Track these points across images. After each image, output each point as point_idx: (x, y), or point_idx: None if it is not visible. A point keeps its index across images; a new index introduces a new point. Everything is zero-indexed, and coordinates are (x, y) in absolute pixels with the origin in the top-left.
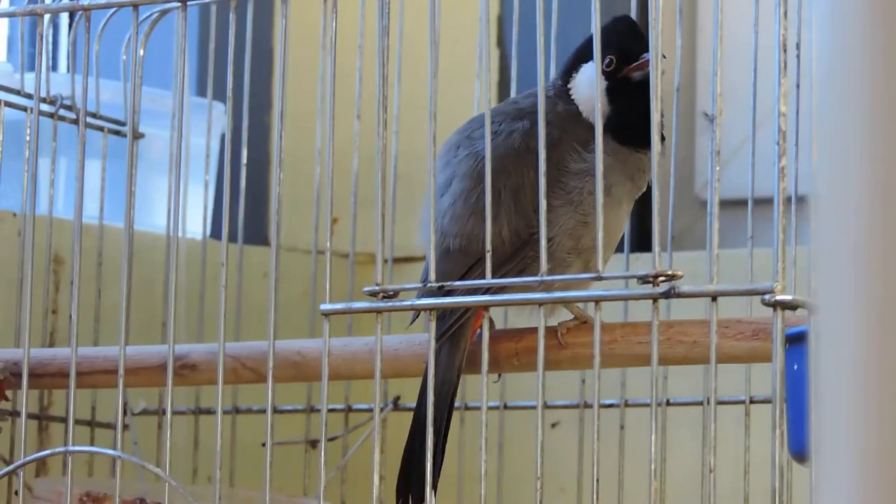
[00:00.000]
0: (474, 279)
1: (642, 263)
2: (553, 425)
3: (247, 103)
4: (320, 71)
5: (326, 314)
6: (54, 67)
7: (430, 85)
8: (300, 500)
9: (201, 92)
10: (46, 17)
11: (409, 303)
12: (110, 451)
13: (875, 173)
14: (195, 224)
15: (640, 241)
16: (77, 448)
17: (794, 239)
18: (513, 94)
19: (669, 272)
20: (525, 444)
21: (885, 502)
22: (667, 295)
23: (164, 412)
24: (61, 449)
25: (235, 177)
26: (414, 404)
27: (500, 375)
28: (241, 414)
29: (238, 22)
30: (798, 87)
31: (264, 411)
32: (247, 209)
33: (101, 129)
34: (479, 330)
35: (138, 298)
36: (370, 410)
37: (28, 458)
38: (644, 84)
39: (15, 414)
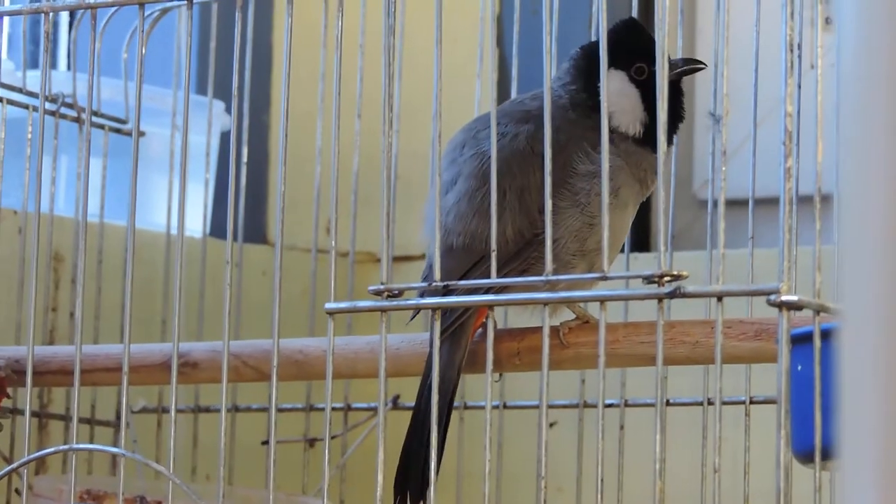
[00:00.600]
0: (476, 277)
1: (641, 263)
2: (551, 425)
3: (247, 102)
4: (321, 70)
5: (331, 313)
6: (54, 66)
7: (436, 84)
8: (299, 498)
9: (201, 90)
10: (50, 15)
11: (414, 302)
12: (114, 449)
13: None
14: (195, 222)
15: (640, 241)
16: (80, 446)
17: (795, 239)
18: (513, 93)
19: (675, 272)
20: (523, 444)
21: None
22: (672, 295)
23: (163, 410)
24: (65, 447)
25: (236, 176)
26: (413, 403)
27: (501, 375)
28: (241, 412)
29: (240, 20)
30: (800, 86)
31: (263, 410)
32: (246, 208)
33: (101, 126)
34: (479, 329)
35: (138, 296)
36: (369, 409)
37: (31, 457)
38: (674, 85)
39: (16, 412)
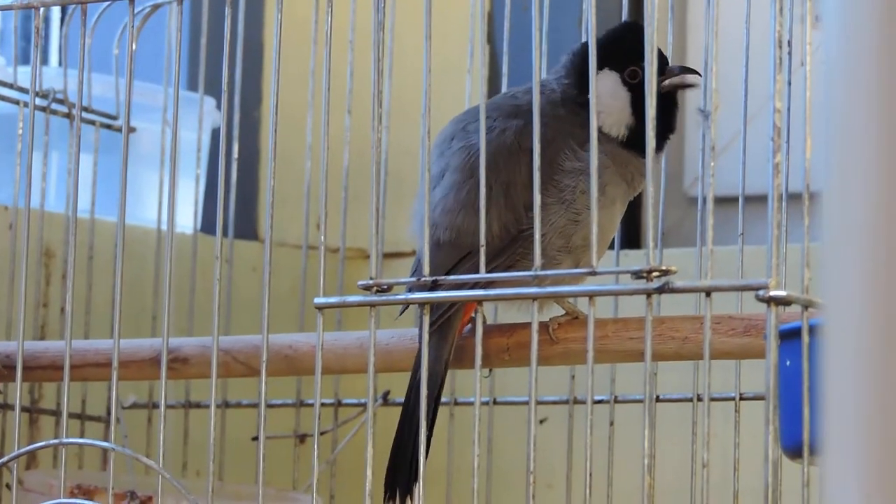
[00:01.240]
0: (463, 272)
1: (631, 260)
2: (541, 421)
3: (238, 98)
4: (311, 66)
5: (320, 308)
6: (45, 61)
7: (425, 81)
8: (289, 493)
9: (192, 86)
10: (41, 10)
11: (403, 297)
12: (104, 444)
13: (884, 169)
14: (185, 218)
15: (629, 237)
16: (71, 440)
17: (784, 236)
18: (503, 88)
19: (663, 268)
20: (513, 440)
21: (892, 498)
22: (661, 290)
23: (154, 406)
24: (55, 441)
25: (226, 172)
26: (402, 399)
27: (490, 370)
28: (231, 408)
29: (230, 16)
30: (789, 83)
31: (254, 405)
32: (237, 204)
33: (92, 122)
34: (468, 324)
35: (128, 292)
36: (359, 405)
37: (21, 451)
38: (669, 95)
39: (6, 407)
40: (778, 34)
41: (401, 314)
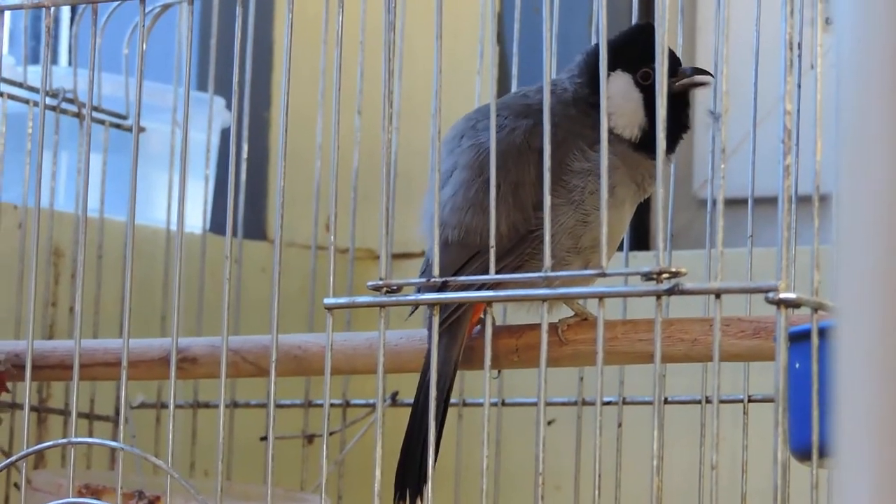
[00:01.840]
0: (473, 272)
1: (640, 262)
2: (549, 422)
3: (248, 98)
4: (321, 66)
5: (330, 308)
6: (55, 61)
7: (435, 81)
8: (297, 494)
9: (202, 86)
10: (52, 9)
11: (412, 297)
12: (112, 443)
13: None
14: (194, 218)
15: (639, 239)
16: (80, 440)
17: (794, 238)
18: (512, 89)
19: (673, 269)
20: (522, 441)
21: None
22: (671, 292)
23: (162, 406)
24: (64, 440)
25: (236, 172)
26: (412, 399)
27: (499, 372)
28: (240, 408)
29: (240, 16)
30: (799, 86)
31: (262, 405)
32: (246, 204)
33: (102, 122)
34: (478, 325)
35: (137, 292)
36: (368, 405)
37: (30, 450)
38: (681, 96)
39: (15, 406)
40: (788, 36)
41: (410, 315)
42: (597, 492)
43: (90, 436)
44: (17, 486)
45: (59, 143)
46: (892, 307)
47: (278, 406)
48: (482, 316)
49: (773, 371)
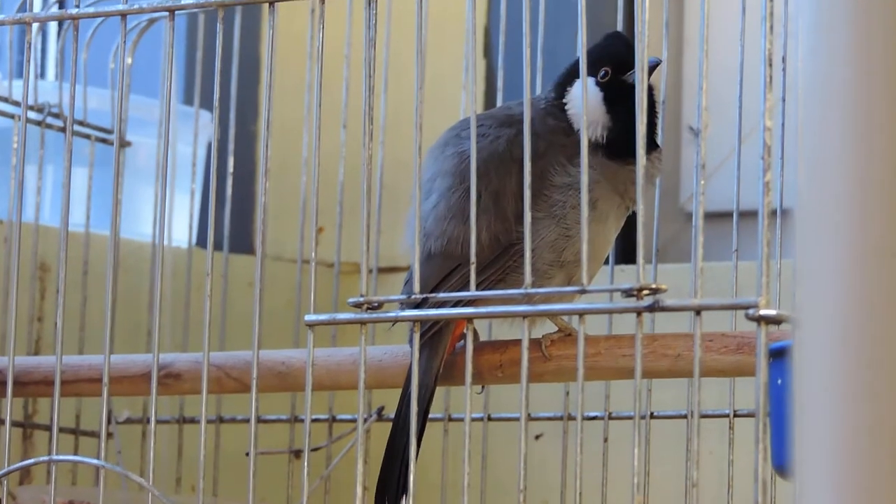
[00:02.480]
0: (454, 285)
1: (627, 276)
2: (537, 437)
3: (233, 112)
4: (307, 81)
5: (311, 325)
6: (42, 75)
7: (416, 96)
8: None
9: (188, 100)
10: (35, 25)
11: (393, 315)
12: (94, 461)
13: (856, 187)
14: (181, 232)
15: (626, 253)
16: (61, 457)
17: (779, 253)
18: (498, 103)
19: (653, 286)
20: (509, 456)
21: None
22: (651, 308)
23: (148, 421)
24: (45, 458)
25: (221, 186)
26: None
27: (483, 387)
28: (225, 423)
29: (225, 31)
30: (784, 101)
31: (248, 421)
32: (233, 218)
33: (87, 136)
34: (462, 341)
35: (123, 307)
36: (354, 421)
37: (12, 467)
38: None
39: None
40: (768, 52)
41: (392, 326)
42: None
43: (76, 452)
44: (1, 502)
45: (45, 158)
46: (850, 319)
47: (264, 421)
48: (465, 331)
49: (755, 387)
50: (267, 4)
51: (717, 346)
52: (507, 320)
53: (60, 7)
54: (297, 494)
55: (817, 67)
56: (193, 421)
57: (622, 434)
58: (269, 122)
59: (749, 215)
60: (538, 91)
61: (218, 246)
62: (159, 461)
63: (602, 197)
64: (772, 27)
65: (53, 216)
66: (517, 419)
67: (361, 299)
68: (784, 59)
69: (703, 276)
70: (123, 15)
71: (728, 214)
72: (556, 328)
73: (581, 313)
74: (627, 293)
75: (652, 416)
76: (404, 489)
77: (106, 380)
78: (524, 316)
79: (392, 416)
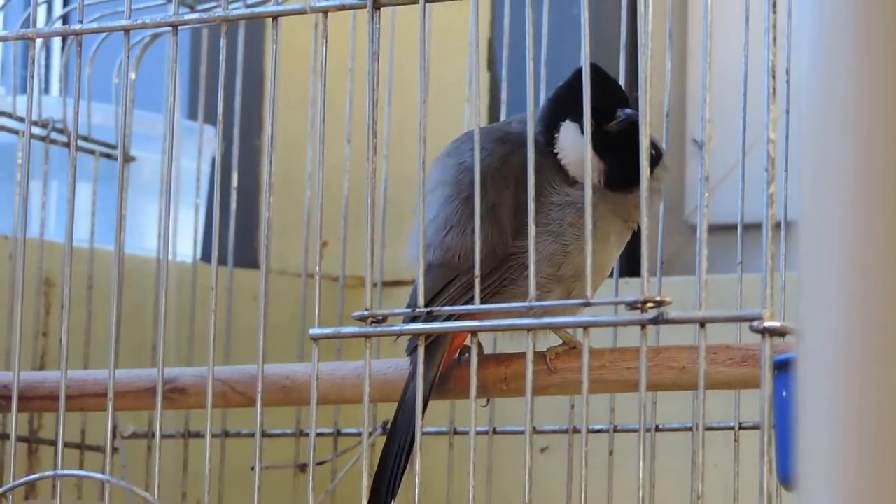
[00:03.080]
0: (452, 295)
1: (632, 289)
2: (542, 450)
3: (237, 127)
4: (311, 95)
5: (315, 339)
6: (46, 90)
7: (420, 109)
8: None
9: (192, 115)
10: (38, 41)
11: (397, 328)
12: (99, 476)
13: (860, 198)
14: (185, 247)
15: (630, 265)
16: (66, 472)
17: (783, 265)
18: (502, 116)
19: (658, 298)
20: (514, 469)
21: None
22: (655, 321)
23: (153, 436)
24: (50, 473)
25: (226, 200)
26: None
27: (488, 400)
28: (231, 438)
29: (229, 46)
30: (788, 112)
31: (253, 435)
32: (237, 232)
33: (92, 152)
34: (466, 354)
35: (128, 322)
36: (359, 435)
37: (17, 482)
38: (626, 132)
39: (4, 437)
40: (771, 64)
41: (397, 339)
42: None
43: (81, 466)
44: None
45: (49, 173)
46: (854, 331)
47: (269, 435)
48: (467, 343)
49: (759, 400)
50: (270, 19)
51: (722, 358)
52: (509, 333)
53: (64, 23)
54: None
55: (819, 78)
56: (198, 435)
57: (627, 447)
58: (273, 136)
59: (753, 227)
60: (542, 103)
61: (222, 260)
62: (164, 476)
63: (602, 218)
64: (775, 39)
65: (58, 231)
66: (522, 432)
67: (366, 313)
68: (788, 71)
69: (708, 289)
70: (127, 30)
71: (732, 227)
72: (560, 341)
73: (586, 326)
74: (632, 306)
75: (657, 429)
76: (393, 495)
77: (111, 394)
78: (529, 329)
79: None
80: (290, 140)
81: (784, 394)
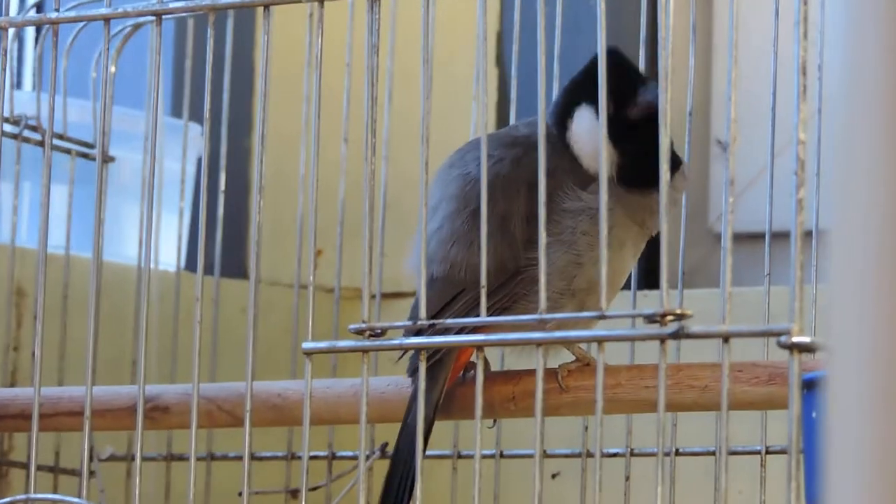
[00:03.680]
0: (457, 311)
1: (651, 301)
2: (553, 475)
3: (225, 125)
4: (305, 91)
5: (308, 353)
6: (18, 84)
7: (423, 107)
8: None
9: (176, 112)
10: (11, 30)
11: (397, 342)
12: (74, 500)
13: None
14: (169, 255)
15: (650, 276)
16: (39, 496)
17: (814, 276)
18: (512, 115)
19: (678, 311)
20: (523, 496)
21: None
22: (675, 335)
23: (133, 458)
24: (22, 497)
25: (212, 204)
26: None
27: (495, 421)
28: (217, 461)
29: (217, 37)
30: (820, 112)
31: (241, 458)
32: (225, 239)
33: (68, 151)
34: (472, 371)
35: (106, 334)
36: (355, 458)
37: None
38: (648, 121)
39: None
40: (802, 60)
41: (400, 358)
42: None
43: (55, 491)
44: None
45: (21, 174)
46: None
47: (258, 458)
48: (472, 360)
49: (787, 420)
50: (261, 8)
51: (747, 376)
52: (518, 349)
53: (38, 11)
54: None
55: (850, 73)
56: (182, 458)
57: (645, 472)
58: (264, 135)
59: (782, 236)
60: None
61: (208, 269)
62: (145, 501)
63: (618, 224)
64: (806, 33)
65: (31, 237)
66: (531, 456)
67: (363, 326)
68: (820, 67)
69: (732, 302)
70: (107, 19)
71: (760, 235)
72: (573, 357)
73: (600, 340)
74: (650, 319)
75: (677, 453)
76: None
77: (88, 413)
78: (539, 344)
79: None
80: (282, 139)
81: (814, 415)
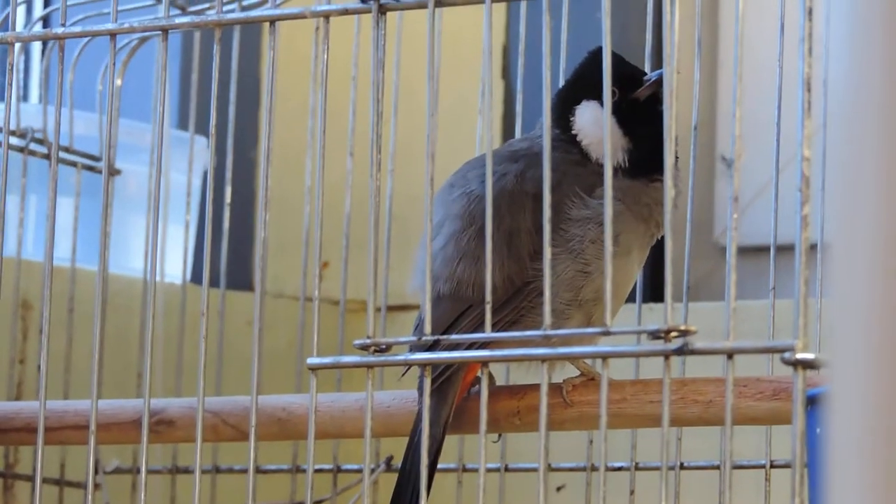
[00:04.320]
0: (465, 327)
1: (656, 315)
2: (558, 489)
3: (231, 138)
4: (311, 104)
5: (313, 369)
6: (25, 97)
7: (428, 121)
8: None
9: (182, 125)
10: (17, 44)
11: (402, 357)
12: None
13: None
14: (174, 267)
15: (654, 290)
16: None
17: (818, 291)
18: (517, 129)
19: (682, 327)
20: None
21: None
22: (679, 352)
23: (138, 471)
24: None
25: (218, 217)
26: None
27: (500, 435)
28: (222, 474)
29: (223, 51)
30: (825, 128)
31: (246, 471)
32: (230, 252)
33: (74, 164)
34: (477, 386)
35: (112, 348)
36: (360, 471)
37: None
38: (655, 102)
39: None
40: (807, 76)
41: (403, 374)
42: None
43: (60, 503)
44: None
45: (27, 187)
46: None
47: (263, 472)
48: (478, 375)
49: (791, 436)
50: (267, 23)
51: (752, 391)
52: (523, 364)
53: (45, 25)
54: None
55: (851, 89)
56: (187, 471)
57: (649, 486)
58: (270, 148)
59: (786, 251)
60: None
61: (214, 282)
62: None
63: (625, 230)
64: (810, 49)
65: (37, 250)
66: (536, 470)
67: (368, 341)
68: (825, 83)
69: (737, 317)
70: (113, 34)
71: (764, 250)
72: (577, 372)
73: (605, 356)
74: (655, 335)
75: (681, 467)
76: None
77: (93, 427)
78: (543, 359)
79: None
80: (287, 153)
81: (818, 430)
